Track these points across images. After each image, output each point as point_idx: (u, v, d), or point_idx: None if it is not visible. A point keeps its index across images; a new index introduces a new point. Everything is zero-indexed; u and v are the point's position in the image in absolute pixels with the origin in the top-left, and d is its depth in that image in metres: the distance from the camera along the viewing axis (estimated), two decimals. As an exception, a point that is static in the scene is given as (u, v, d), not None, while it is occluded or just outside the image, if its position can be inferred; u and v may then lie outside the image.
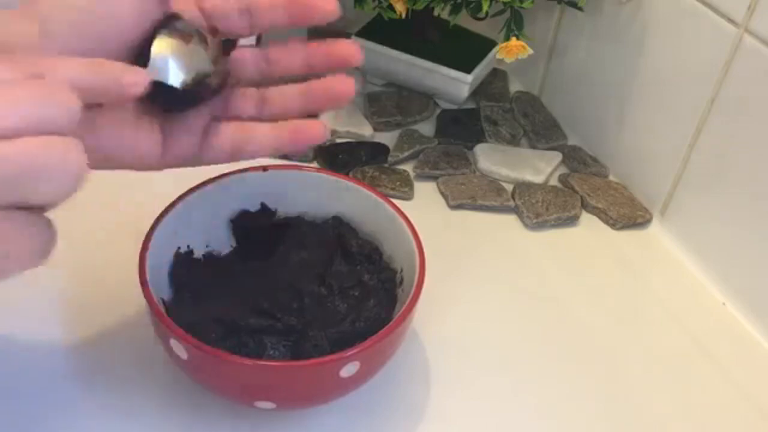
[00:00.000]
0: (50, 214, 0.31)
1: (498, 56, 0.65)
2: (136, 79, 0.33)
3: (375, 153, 0.70)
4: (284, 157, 0.69)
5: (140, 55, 0.38)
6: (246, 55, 0.43)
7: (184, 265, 0.50)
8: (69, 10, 0.36)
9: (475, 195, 0.67)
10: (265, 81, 0.44)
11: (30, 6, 0.36)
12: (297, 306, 0.50)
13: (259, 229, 0.54)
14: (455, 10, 0.67)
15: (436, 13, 0.73)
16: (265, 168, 0.52)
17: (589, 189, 0.69)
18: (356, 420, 0.50)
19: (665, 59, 0.64)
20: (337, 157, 0.69)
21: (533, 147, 0.75)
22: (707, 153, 0.62)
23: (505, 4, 0.64)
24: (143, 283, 0.44)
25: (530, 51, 0.64)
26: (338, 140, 0.72)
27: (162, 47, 0.38)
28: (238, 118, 0.43)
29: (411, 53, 0.74)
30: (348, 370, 0.43)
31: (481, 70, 0.75)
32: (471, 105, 0.79)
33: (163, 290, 0.48)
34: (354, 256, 0.53)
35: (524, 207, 0.67)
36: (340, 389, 0.46)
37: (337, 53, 0.42)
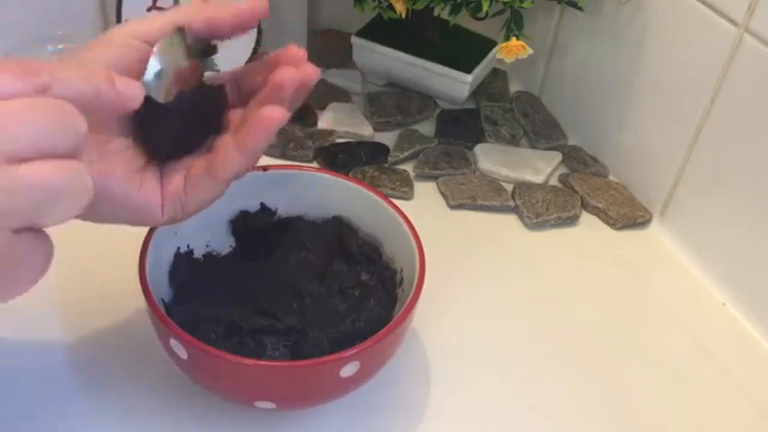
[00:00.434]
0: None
1: (498, 56, 0.65)
2: (130, 90, 0.33)
3: (375, 153, 0.71)
4: (284, 156, 0.69)
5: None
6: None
7: (184, 265, 0.50)
8: (87, 63, 0.38)
9: (475, 195, 0.67)
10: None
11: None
12: (297, 306, 0.50)
13: (259, 229, 0.54)
14: (455, 10, 0.67)
15: (436, 13, 0.73)
16: (265, 168, 0.52)
17: (589, 189, 0.69)
18: (356, 420, 0.50)
19: (665, 59, 0.64)
20: (337, 157, 0.69)
21: (533, 147, 0.75)
22: (707, 153, 0.62)
23: (505, 4, 0.64)
24: (143, 283, 0.44)
25: (530, 51, 0.64)
26: (338, 140, 0.72)
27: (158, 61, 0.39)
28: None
29: (411, 53, 0.74)
30: (348, 370, 0.43)
31: (481, 70, 0.75)
32: (471, 105, 0.79)
33: (163, 290, 0.48)
34: (354, 256, 0.53)
35: (524, 207, 0.67)
36: (340, 389, 0.46)
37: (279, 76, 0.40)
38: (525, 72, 0.82)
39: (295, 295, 0.51)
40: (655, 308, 0.61)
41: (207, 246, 0.53)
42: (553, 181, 0.71)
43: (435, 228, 0.63)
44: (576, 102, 0.76)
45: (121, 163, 0.40)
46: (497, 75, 0.82)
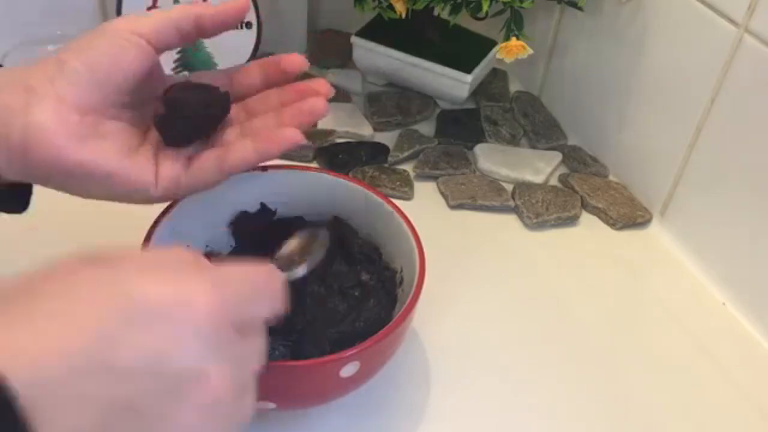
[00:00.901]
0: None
1: (498, 56, 0.65)
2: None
3: (375, 153, 0.71)
4: (284, 156, 0.69)
5: None
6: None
7: (184, 265, 0.50)
8: (87, 52, 0.40)
9: (475, 195, 0.67)
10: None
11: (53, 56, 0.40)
12: (297, 306, 0.50)
13: (258, 230, 0.54)
14: (455, 10, 0.67)
15: (436, 13, 0.73)
16: (264, 168, 0.52)
17: (589, 189, 0.69)
18: (356, 420, 0.50)
19: (665, 59, 0.64)
20: (337, 157, 0.69)
21: (533, 147, 0.75)
22: (707, 153, 0.62)
23: (505, 4, 0.64)
24: (143, 283, 0.44)
25: (530, 51, 0.64)
26: (338, 140, 0.72)
27: None
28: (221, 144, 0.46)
29: (411, 53, 0.74)
30: (348, 370, 0.43)
31: (481, 70, 0.75)
32: (471, 105, 0.79)
33: (163, 290, 0.48)
34: (354, 256, 0.53)
35: (524, 207, 0.67)
36: (340, 389, 0.46)
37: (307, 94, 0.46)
38: (525, 72, 0.82)
39: (295, 295, 0.50)
40: (655, 308, 0.61)
41: (207, 246, 0.53)
42: (553, 181, 0.71)
43: (435, 228, 0.62)
44: (576, 102, 0.76)
45: (115, 142, 0.42)
46: (497, 75, 0.82)
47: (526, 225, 0.66)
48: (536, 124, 0.77)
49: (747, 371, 0.57)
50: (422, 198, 0.68)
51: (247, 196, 0.53)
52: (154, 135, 0.44)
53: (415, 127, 0.75)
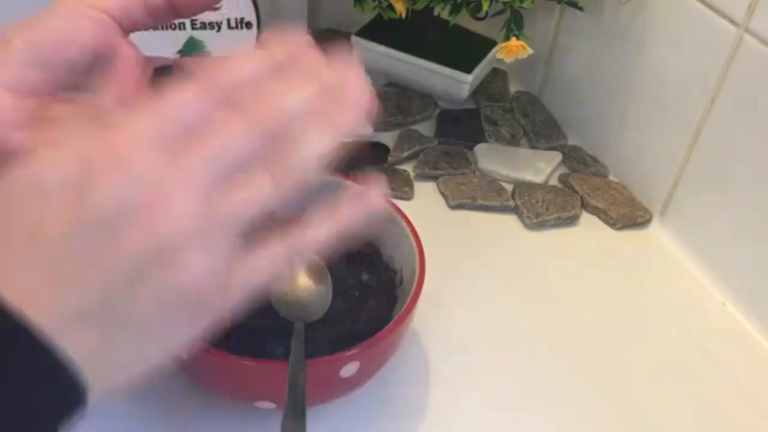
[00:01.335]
0: None
1: (498, 56, 0.65)
2: None
3: (375, 153, 0.70)
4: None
5: None
6: None
7: (184, 265, 0.50)
8: (32, 28, 0.35)
9: (475, 195, 0.67)
10: None
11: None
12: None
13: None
14: (455, 10, 0.67)
15: (436, 13, 0.73)
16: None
17: (589, 189, 0.69)
18: (356, 420, 0.50)
19: (665, 59, 0.64)
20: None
21: (533, 147, 0.75)
22: (707, 153, 0.62)
23: (505, 4, 0.64)
24: (143, 283, 0.44)
25: (530, 51, 0.64)
26: (338, 140, 0.72)
27: None
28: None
29: (411, 53, 0.74)
30: (348, 370, 0.43)
31: (481, 70, 0.75)
32: (471, 105, 0.79)
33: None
34: (354, 256, 0.53)
35: (524, 207, 0.67)
36: (340, 389, 0.46)
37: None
38: (525, 72, 0.82)
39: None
40: (655, 308, 0.61)
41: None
42: (553, 181, 0.71)
43: (435, 228, 0.62)
44: (576, 102, 0.76)
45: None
46: (497, 75, 0.82)
47: (526, 225, 0.66)
48: (536, 124, 0.77)
49: (747, 371, 0.57)
50: (422, 198, 0.68)
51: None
52: None
53: (415, 127, 0.75)
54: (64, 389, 0.27)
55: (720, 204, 0.62)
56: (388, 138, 0.73)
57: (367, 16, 0.74)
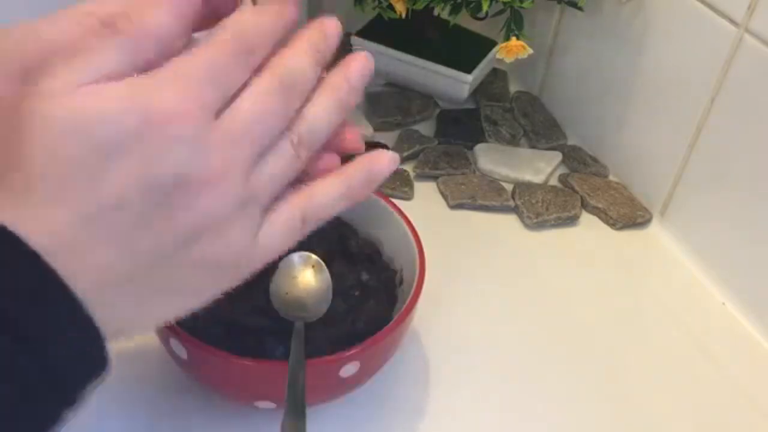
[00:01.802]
0: None
1: (498, 56, 0.65)
2: None
3: (375, 153, 0.70)
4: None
5: None
6: None
7: (184, 265, 0.50)
8: None
9: (475, 195, 0.67)
10: None
11: None
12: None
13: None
14: (455, 10, 0.67)
15: (436, 13, 0.73)
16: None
17: (589, 189, 0.69)
18: (356, 420, 0.50)
19: (665, 59, 0.64)
20: (337, 157, 0.69)
21: (533, 147, 0.75)
22: (707, 153, 0.62)
23: (505, 4, 0.64)
24: (143, 283, 0.44)
25: (530, 51, 0.63)
26: (338, 140, 0.72)
27: None
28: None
29: (411, 53, 0.74)
30: (348, 370, 0.43)
31: (481, 70, 0.75)
32: (471, 105, 0.79)
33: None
34: (354, 256, 0.53)
35: (524, 207, 0.67)
36: (340, 389, 0.46)
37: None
38: (525, 72, 0.82)
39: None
40: (655, 308, 0.61)
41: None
42: (553, 181, 0.71)
43: (435, 228, 0.63)
44: (576, 102, 0.76)
45: None
46: (497, 75, 0.82)
47: (526, 225, 0.66)
48: (536, 124, 0.77)
49: (747, 371, 0.57)
50: (422, 198, 0.68)
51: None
52: None
53: (415, 127, 0.75)
54: (91, 351, 0.27)
55: (720, 204, 0.62)
56: (388, 138, 0.73)
57: (367, 16, 0.74)
